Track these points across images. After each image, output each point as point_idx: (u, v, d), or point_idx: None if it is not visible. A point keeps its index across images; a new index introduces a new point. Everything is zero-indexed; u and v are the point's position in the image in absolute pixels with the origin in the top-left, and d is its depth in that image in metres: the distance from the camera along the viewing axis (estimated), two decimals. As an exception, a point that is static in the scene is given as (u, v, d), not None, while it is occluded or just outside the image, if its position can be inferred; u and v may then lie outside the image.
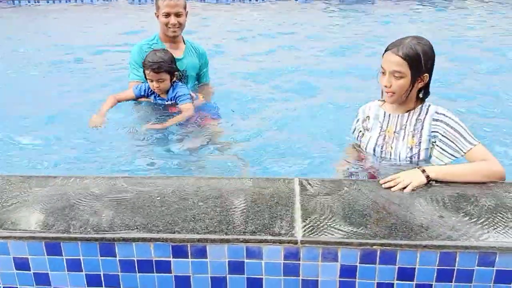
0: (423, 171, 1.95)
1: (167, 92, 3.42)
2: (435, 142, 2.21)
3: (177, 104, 3.43)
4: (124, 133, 3.23)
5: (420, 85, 2.20)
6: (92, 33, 7.80)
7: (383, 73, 2.17)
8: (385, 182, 1.91)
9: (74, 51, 6.37)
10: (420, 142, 2.24)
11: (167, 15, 3.48)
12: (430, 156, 2.25)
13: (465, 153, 2.11)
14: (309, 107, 3.99)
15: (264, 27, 7.97)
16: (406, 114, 2.28)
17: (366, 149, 2.42)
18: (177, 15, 3.50)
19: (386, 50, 2.18)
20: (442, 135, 2.17)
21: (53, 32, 8.18)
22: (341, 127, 2.96)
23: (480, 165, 2.01)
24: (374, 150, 2.38)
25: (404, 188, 1.88)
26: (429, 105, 2.26)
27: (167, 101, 3.46)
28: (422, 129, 2.23)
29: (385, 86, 2.17)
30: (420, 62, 2.11)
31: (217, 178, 2.01)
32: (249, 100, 4.17)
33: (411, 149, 2.26)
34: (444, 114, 2.19)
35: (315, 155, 2.86)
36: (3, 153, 3.10)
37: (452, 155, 2.17)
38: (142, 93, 3.49)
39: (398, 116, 2.30)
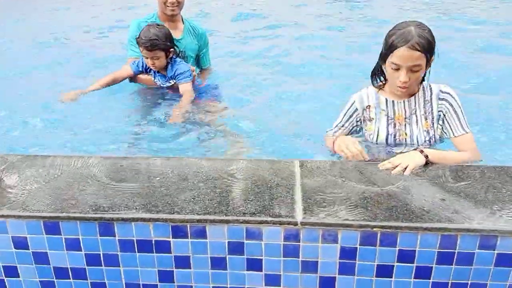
0: (421, 151, 1.96)
1: (165, 68, 3.36)
2: (440, 117, 2.23)
3: (175, 82, 3.39)
4: (123, 116, 3.21)
5: (428, 69, 2.17)
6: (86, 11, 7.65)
7: (396, 69, 2.07)
8: (383, 166, 1.90)
9: (67, 29, 6.30)
10: (433, 123, 2.23)
11: None
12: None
13: (455, 136, 2.19)
14: (310, 90, 3.95)
15: (266, 5, 7.83)
16: (412, 98, 2.24)
17: (376, 140, 2.32)
18: None
19: (394, 46, 2.04)
20: (444, 114, 2.21)
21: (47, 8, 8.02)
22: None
23: (468, 157, 2.13)
24: (386, 140, 2.29)
25: (404, 170, 1.87)
26: (429, 84, 2.24)
27: (167, 80, 3.40)
28: (432, 110, 2.22)
29: (401, 82, 2.08)
30: (433, 49, 2.07)
31: (217, 159, 2.00)
32: (249, 82, 4.12)
33: (428, 132, 2.23)
34: (448, 93, 2.20)
35: (316, 138, 2.84)
36: (1, 132, 3.09)
37: (444, 133, 2.24)
38: (140, 69, 3.43)
39: (404, 101, 2.25)
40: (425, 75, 2.20)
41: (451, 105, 2.18)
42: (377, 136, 2.30)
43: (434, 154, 1.99)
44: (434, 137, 2.26)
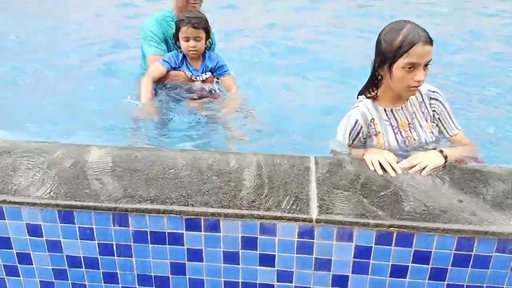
0: (441, 151, 1.95)
1: (200, 59, 3.20)
2: (434, 117, 2.23)
3: (216, 76, 3.24)
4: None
5: None
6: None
7: (410, 68, 1.95)
8: (402, 165, 1.87)
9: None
10: (433, 122, 2.22)
11: None
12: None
13: (451, 136, 2.22)
14: (325, 86, 3.93)
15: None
16: (408, 102, 2.17)
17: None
18: None
19: (409, 45, 1.92)
20: (438, 115, 2.21)
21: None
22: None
23: (472, 149, 2.20)
24: (398, 150, 2.19)
25: (422, 169, 1.85)
26: None
27: (203, 72, 3.22)
28: (427, 110, 2.20)
29: (418, 82, 1.97)
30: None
31: (232, 153, 1.98)
32: (262, 76, 4.10)
33: (432, 132, 2.21)
34: (436, 92, 2.21)
35: (330, 134, 2.82)
36: (19, 119, 3.11)
37: (439, 130, 2.24)
38: (173, 65, 3.18)
39: (402, 107, 2.17)
40: None
41: (443, 105, 2.20)
42: (389, 147, 2.18)
43: (453, 154, 2.00)
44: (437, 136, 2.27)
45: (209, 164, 1.86)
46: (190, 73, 3.22)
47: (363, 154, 1.97)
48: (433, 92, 2.20)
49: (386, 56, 1.99)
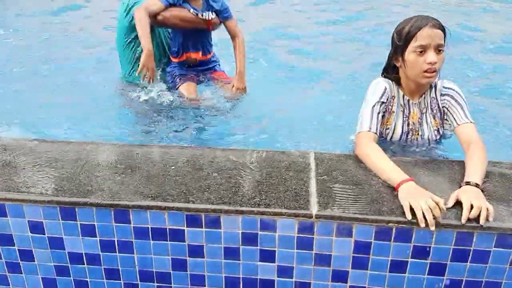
0: (476, 185, 1.69)
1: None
2: (444, 112, 2.18)
3: (222, 20, 3.06)
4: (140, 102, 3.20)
5: None
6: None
7: (421, 52, 1.97)
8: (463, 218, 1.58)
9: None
10: (441, 120, 2.19)
11: None
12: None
13: (458, 125, 2.07)
14: (326, 81, 3.94)
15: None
16: (423, 98, 2.17)
17: (391, 138, 2.21)
18: None
19: (416, 28, 1.96)
20: (447, 108, 2.15)
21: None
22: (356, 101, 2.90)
23: (483, 156, 1.86)
24: (400, 138, 2.22)
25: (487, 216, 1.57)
26: (434, 82, 2.17)
27: (208, 10, 3.02)
28: (438, 107, 2.17)
29: (430, 63, 1.96)
30: (445, 32, 2.03)
31: (232, 149, 1.99)
32: (263, 71, 4.11)
33: (438, 130, 2.19)
34: (450, 88, 2.14)
35: (331, 130, 2.83)
36: (19, 117, 3.12)
37: (448, 125, 2.17)
38: (171, 1, 2.91)
39: (417, 102, 2.17)
40: None
41: (453, 97, 2.12)
42: (393, 133, 2.20)
43: (479, 177, 1.73)
44: (443, 135, 2.23)
45: (209, 160, 1.87)
46: (194, 10, 2.99)
47: (398, 186, 1.68)
48: (447, 88, 2.14)
49: (397, 45, 2.05)
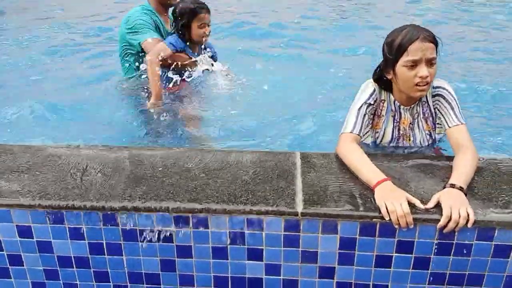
0: (460, 188, 1.69)
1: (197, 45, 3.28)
2: (436, 113, 2.15)
3: (214, 59, 3.36)
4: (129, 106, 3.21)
5: None
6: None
7: (412, 66, 1.93)
8: (444, 227, 1.60)
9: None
10: (434, 124, 2.16)
11: None
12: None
13: (449, 127, 2.03)
14: (307, 79, 3.97)
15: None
16: (414, 104, 2.15)
17: (381, 141, 2.21)
18: None
19: (407, 42, 1.93)
20: (438, 110, 2.11)
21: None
22: (342, 98, 2.94)
23: (472, 160, 1.86)
24: (390, 143, 2.22)
25: (467, 221, 1.58)
26: None
27: (199, 55, 3.28)
28: (430, 110, 2.15)
29: (422, 78, 1.93)
30: (438, 44, 1.99)
31: (219, 150, 2.02)
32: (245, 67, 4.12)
33: (430, 134, 2.18)
34: (440, 87, 2.10)
35: (315, 129, 2.86)
36: (5, 121, 3.12)
37: (439, 126, 2.14)
38: (177, 47, 3.17)
39: (409, 108, 2.15)
40: None
41: (444, 98, 2.08)
42: (382, 137, 2.20)
43: (464, 181, 1.73)
44: (435, 138, 2.20)
45: (196, 161, 1.89)
46: (193, 56, 3.25)
47: (376, 185, 1.70)
48: (437, 88, 2.09)
49: (388, 58, 2.01)
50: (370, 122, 2.14)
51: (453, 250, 1.62)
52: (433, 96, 2.11)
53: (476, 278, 1.66)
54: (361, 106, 2.07)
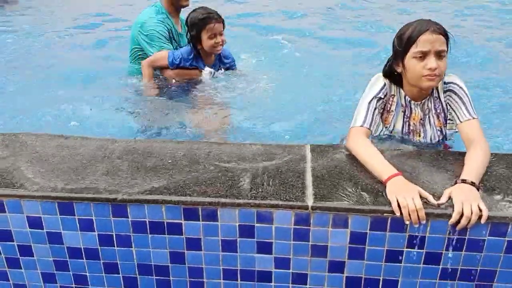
0: (472, 183, 1.66)
1: (213, 56, 3.29)
2: (448, 109, 2.12)
3: (230, 69, 3.41)
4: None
5: None
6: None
7: (421, 57, 1.93)
8: (457, 224, 1.58)
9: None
10: (445, 120, 2.14)
11: None
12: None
13: (461, 122, 2.01)
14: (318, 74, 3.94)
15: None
16: (425, 99, 2.12)
17: (391, 132, 2.19)
18: None
19: (417, 34, 1.93)
20: (450, 105, 2.09)
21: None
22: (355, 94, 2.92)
23: (483, 155, 1.83)
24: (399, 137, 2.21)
25: (481, 217, 1.56)
26: None
27: (220, 67, 3.34)
28: (441, 106, 2.12)
29: (430, 69, 1.92)
30: (449, 37, 1.98)
31: (228, 143, 2.01)
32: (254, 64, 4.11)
33: (441, 130, 2.16)
34: (452, 82, 2.07)
35: (325, 123, 2.84)
36: (13, 112, 3.13)
37: (451, 122, 2.12)
38: (177, 62, 3.22)
39: (420, 103, 2.13)
40: None
41: (455, 93, 2.05)
42: (391, 133, 2.19)
43: (476, 176, 1.71)
44: (446, 135, 2.18)
45: (206, 154, 1.88)
46: (206, 69, 3.28)
47: (386, 181, 1.68)
48: (448, 83, 2.07)
49: (398, 50, 2.01)
50: (380, 117, 2.12)
51: (465, 246, 1.60)
52: (445, 91, 2.08)
53: (488, 274, 1.64)
54: (371, 100, 2.05)
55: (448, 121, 2.14)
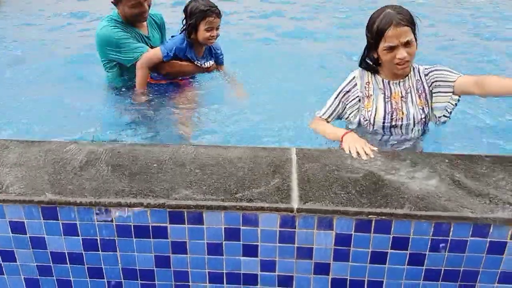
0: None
1: (202, 47, 3.30)
2: (433, 90, 2.32)
3: (219, 64, 3.43)
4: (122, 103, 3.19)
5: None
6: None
7: (390, 49, 2.16)
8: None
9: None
10: (427, 100, 2.32)
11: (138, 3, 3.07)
12: (432, 109, 2.36)
13: (454, 81, 2.23)
14: (304, 77, 3.96)
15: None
16: (406, 78, 2.32)
17: (374, 119, 2.34)
18: None
19: (381, 31, 2.14)
20: (435, 80, 2.29)
21: None
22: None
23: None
24: (384, 119, 2.32)
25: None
26: (417, 66, 2.36)
27: (209, 59, 3.37)
28: (423, 88, 2.31)
29: (400, 59, 2.16)
30: (415, 22, 2.18)
31: (214, 146, 2.01)
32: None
33: (423, 109, 2.32)
34: (426, 68, 2.33)
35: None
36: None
37: (446, 92, 2.28)
38: (172, 54, 3.18)
39: (399, 82, 2.32)
40: None
41: (436, 70, 2.30)
42: (375, 114, 2.33)
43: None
44: (429, 115, 2.35)
45: (191, 157, 1.88)
46: (198, 62, 3.30)
47: (342, 137, 2.08)
48: (427, 68, 2.32)
49: (370, 42, 2.24)
50: (356, 103, 2.37)
51: (448, 247, 1.62)
52: (426, 74, 2.31)
53: (471, 274, 1.66)
54: (338, 94, 2.39)
55: (434, 95, 2.31)
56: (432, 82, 2.30)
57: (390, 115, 2.32)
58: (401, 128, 2.33)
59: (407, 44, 2.14)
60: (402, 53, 2.14)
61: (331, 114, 2.41)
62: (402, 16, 2.12)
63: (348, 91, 2.37)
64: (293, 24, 6.08)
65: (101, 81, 3.51)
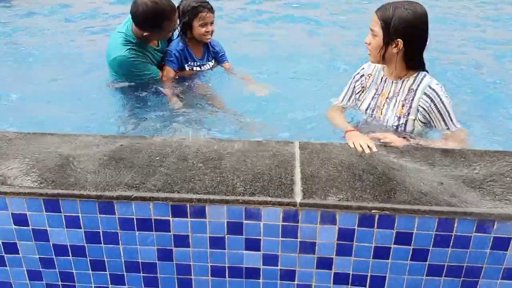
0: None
1: (200, 47, 3.31)
2: (420, 111, 2.23)
3: (219, 63, 3.42)
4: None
5: (395, 50, 2.15)
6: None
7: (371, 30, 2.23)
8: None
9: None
10: (409, 113, 2.24)
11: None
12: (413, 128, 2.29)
13: (445, 131, 2.21)
14: (311, 71, 3.94)
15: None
16: (400, 81, 2.27)
17: (359, 107, 2.47)
18: None
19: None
20: (425, 110, 2.20)
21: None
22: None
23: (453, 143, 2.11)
24: (366, 110, 2.42)
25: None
26: (424, 76, 2.23)
27: (210, 60, 3.37)
28: (412, 99, 2.22)
29: (365, 43, 2.25)
30: (389, 25, 2.10)
31: (217, 140, 2.00)
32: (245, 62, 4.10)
33: (399, 118, 2.27)
34: (434, 90, 2.17)
35: (315, 119, 2.84)
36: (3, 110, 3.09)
37: (431, 125, 2.26)
38: (177, 64, 3.24)
39: (392, 82, 2.30)
40: (409, 60, 2.20)
41: (434, 103, 2.18)
42: (361, 104, 2.44)
43: (426, 142, 2.13)
44: (405, 126, 2.26)
45: (194, 151, 1.87)
46: (196, 62, 3.31)
47: (346, 132, 2.16)
48: (431, 89, 2.18)
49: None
50: (360, 92, 2.47)
51: (451, 242, 1.61)
52: (424, 94, 2.18)
53: (474, 270, 1.65)
54: (350, 81, 2.51)
55: (415, 120, 2.25)
56: (421, 109, 2.21)
57: (371, 110, 2.38)
58: (373, 125, 2.36)
59: (372, 33, 2.19)
60: (366, 37, 2.23)
61: (348, 99, 2.53)
62: (384, 11, 2.13)
63: (356, 80, 2.48)
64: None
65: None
